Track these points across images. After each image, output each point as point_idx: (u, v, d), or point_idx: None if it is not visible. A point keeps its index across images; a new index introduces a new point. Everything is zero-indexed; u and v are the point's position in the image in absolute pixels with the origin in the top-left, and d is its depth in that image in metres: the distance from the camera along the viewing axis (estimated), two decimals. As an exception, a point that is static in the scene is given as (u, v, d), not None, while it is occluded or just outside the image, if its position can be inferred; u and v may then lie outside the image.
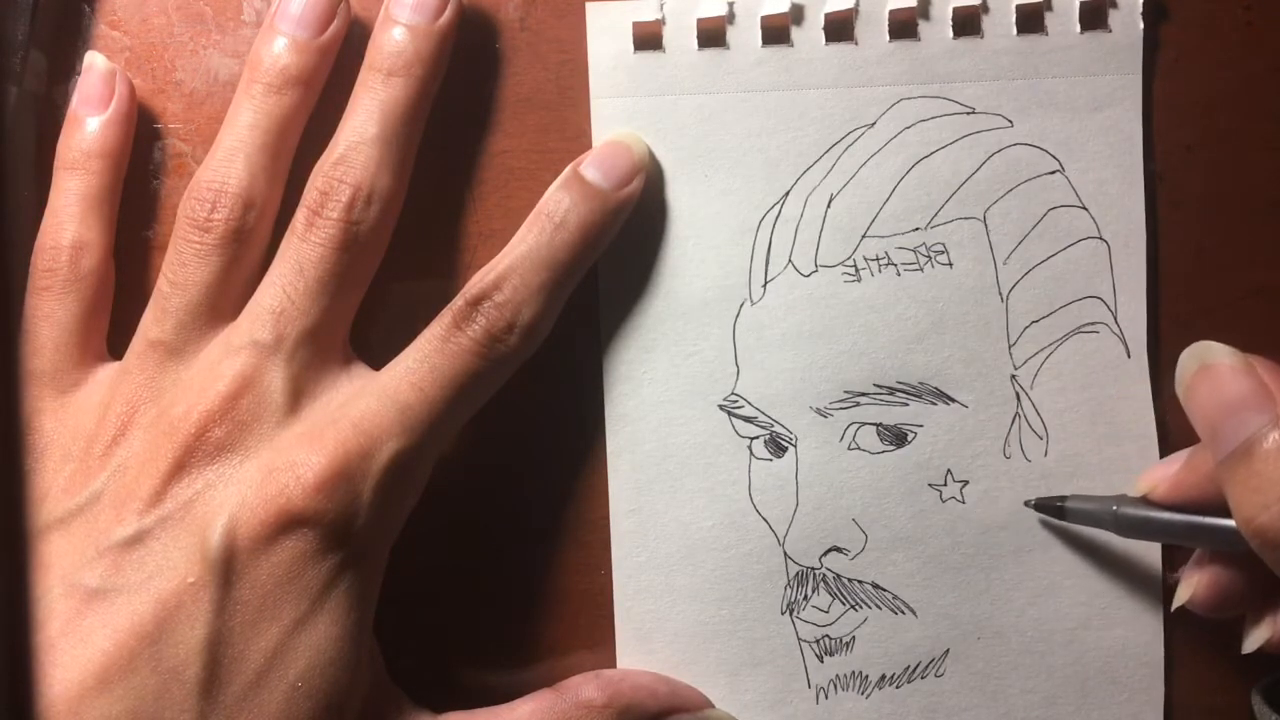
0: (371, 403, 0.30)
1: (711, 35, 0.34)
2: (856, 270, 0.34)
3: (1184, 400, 0.31)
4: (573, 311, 0.33)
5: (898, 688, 0.34)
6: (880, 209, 0.34)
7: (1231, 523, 0.29)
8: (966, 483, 0.34)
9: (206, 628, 0.28)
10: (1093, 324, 0.34)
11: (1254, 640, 0.32)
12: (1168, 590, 0.34)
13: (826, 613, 0.34)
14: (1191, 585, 0.32)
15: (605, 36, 0.34)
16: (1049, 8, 0.34)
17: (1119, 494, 0.33)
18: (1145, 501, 0.32)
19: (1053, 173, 0.34)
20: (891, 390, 0.34)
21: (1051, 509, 0.33)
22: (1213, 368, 0.30)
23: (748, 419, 0.34)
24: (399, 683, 0.32)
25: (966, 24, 0.34)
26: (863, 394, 0.34)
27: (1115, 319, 0.34)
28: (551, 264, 0.32)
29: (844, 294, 0.34)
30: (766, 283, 0.34)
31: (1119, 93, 0.34)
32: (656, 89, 0.34)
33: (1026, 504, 0.34)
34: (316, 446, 0.29)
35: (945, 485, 0.34)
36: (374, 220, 0.31)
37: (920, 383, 0.34)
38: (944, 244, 0.34)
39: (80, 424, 0.31)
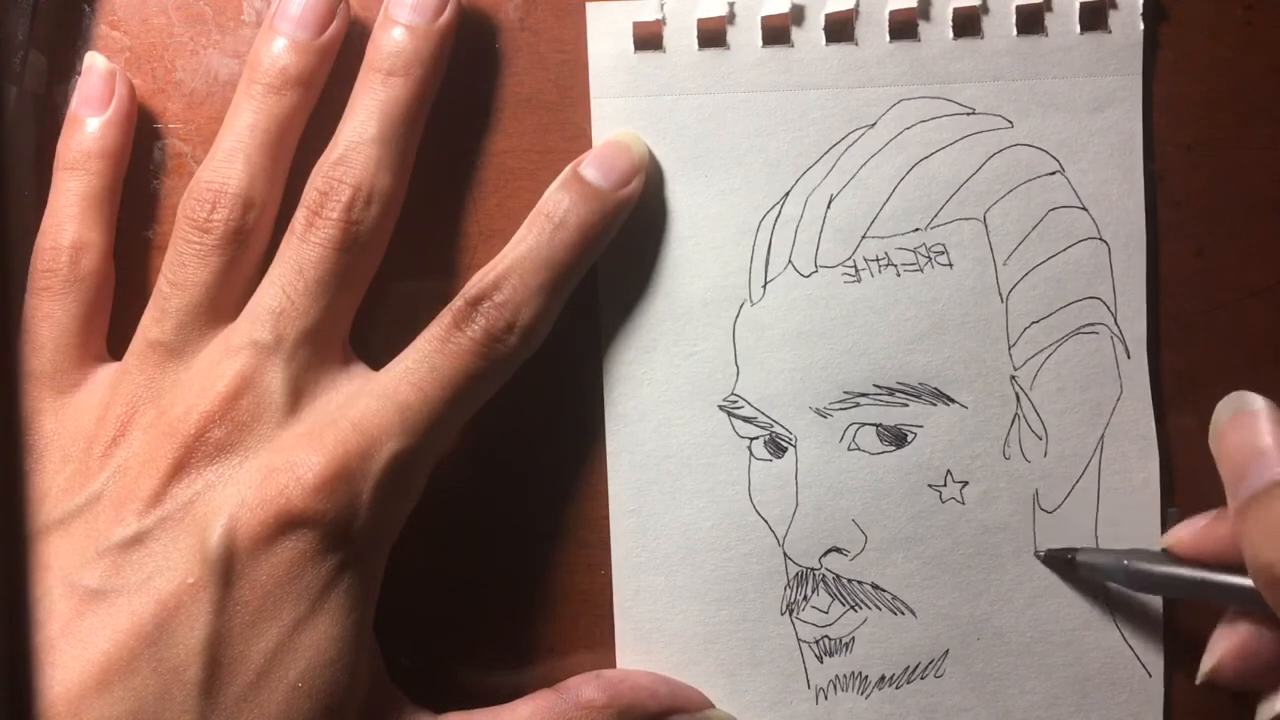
0: (371, 403, 0.30)
1: (712, 35, 0.34)
2: (856, 271, 0.34)
3: (1215, 445, 0.31)
4: (573, 311, 0.33)
5: (897, 688, 0.34)
6: (880, 209, 0.34)
7: (1246, 580, 0.29)
8: (966, 483, 0.34)
9: (206, 628, 0.28)
10: (1092, 324, 0.34)
11: (1270, 709, 0.31)
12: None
13: (826, 613, 0.34)
14: (1216, 655, 0.31)
15: (605, 36, 0.34)
16: (1049, 8, 0.34)
17: (1131, 548, 0.33)
18: (1159, 555, 0.32)
19: (1053, 173, 0.34)
20: (891, 391, 0.34)
21: (1061, 562, 0.33)
22: (1250, 414, 0.30)
23: (747, 419, 0.34)
24: (399, 683, 0.32)
25: (966, 25, 0.34)
26: (862, 394, 0.34)
27: (1115, 319, 0.34)
28: (551, 264, 0.32)
29: (844, 294, 0.34)
30: (766, 283, 0.34)
31: (1119, 93, 0.34)
32: (656, 89, 0.34)
33: (1037, 555, 0.34)
34: (316, 447, 0.29)
35: (945, 486, 0.34)
36: (373, 220, 0.31)
37: (920, 383, 0.34)
38: (944, 244, 0.34)
39: (80, 424, 0.31)
